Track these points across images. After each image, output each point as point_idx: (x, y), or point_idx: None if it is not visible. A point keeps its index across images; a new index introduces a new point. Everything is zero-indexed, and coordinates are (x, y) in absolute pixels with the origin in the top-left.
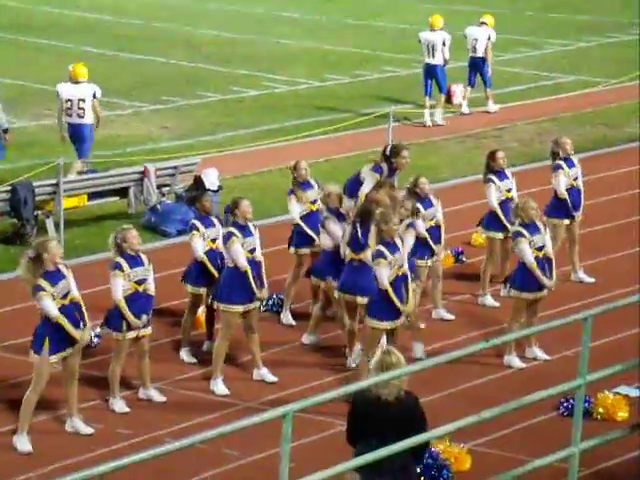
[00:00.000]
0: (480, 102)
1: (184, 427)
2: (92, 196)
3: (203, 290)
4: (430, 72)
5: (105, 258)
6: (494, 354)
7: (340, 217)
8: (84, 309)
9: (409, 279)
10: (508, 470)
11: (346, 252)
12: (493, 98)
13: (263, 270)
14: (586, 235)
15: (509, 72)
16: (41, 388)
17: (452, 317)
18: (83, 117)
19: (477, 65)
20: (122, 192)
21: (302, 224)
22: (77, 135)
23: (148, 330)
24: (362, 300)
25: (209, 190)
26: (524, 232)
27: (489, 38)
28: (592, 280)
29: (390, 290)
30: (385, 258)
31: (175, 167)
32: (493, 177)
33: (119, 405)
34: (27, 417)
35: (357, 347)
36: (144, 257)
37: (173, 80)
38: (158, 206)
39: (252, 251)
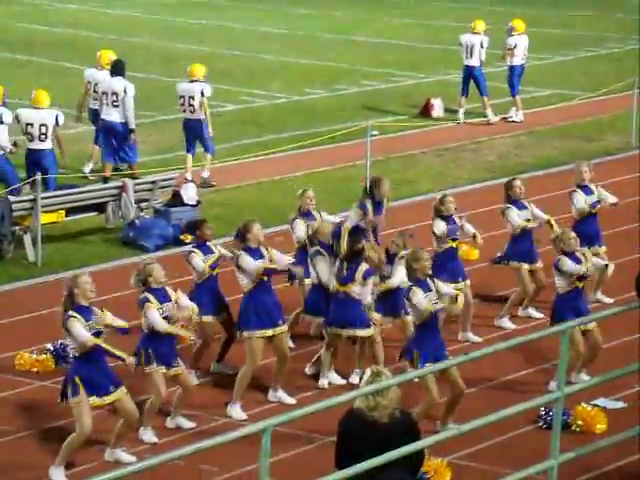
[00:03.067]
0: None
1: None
2: (70, 212)
3: (207, 318)
4: (469, 73)
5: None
6: (471, 367)
7: (329, 250)
8: None
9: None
10: None
11: (333, 284)
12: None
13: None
14: None
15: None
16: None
17: (480, 340)
18: (194, 112)
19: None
20: (100, 207)
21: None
22: (196, 131)
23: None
24: (353, 332)
25: (187, 205)
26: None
27: (513, 45)
28: (611, 301)
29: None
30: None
31: (153, 182)
32: (511, 206)
33: (148, 435)
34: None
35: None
36: (169, 290)
37: (150, 95)
38: (136, 221)
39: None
